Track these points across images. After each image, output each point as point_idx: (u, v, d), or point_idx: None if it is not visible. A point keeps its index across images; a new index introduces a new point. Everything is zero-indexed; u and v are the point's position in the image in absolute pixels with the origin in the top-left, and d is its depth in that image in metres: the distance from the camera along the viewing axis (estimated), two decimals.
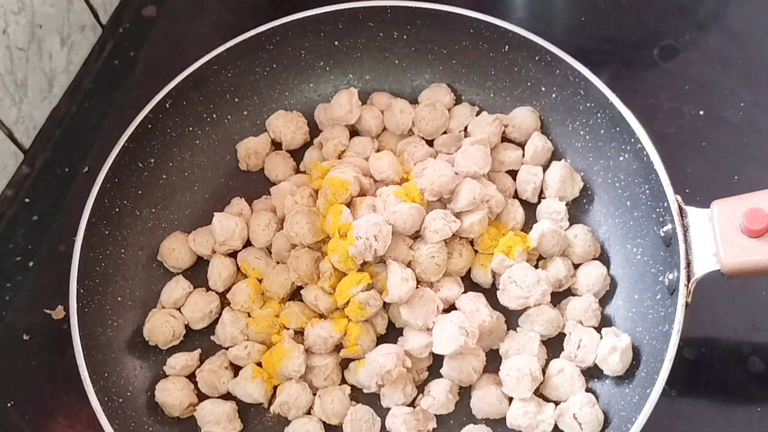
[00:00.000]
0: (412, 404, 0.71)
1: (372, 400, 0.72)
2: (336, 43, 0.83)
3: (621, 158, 0.74)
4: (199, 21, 0.94)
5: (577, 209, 0.78)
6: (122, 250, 0.76)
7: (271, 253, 0.77)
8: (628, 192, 0.74)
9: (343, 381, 0.73)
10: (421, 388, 0.72)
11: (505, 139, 0.80)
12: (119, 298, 0.75)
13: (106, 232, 0.75)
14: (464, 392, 0.72)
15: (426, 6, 0.78)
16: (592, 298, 0.72)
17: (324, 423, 0.71)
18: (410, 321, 0.71)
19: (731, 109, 0.83)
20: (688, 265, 0.65)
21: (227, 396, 0.72)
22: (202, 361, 0.74)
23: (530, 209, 0.78)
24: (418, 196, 0.73)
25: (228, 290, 0.76)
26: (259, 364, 0.73)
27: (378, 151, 0.80)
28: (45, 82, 0.85)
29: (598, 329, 0.71)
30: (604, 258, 0.75)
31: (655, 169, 0.68)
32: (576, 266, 0.75)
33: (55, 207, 0.84)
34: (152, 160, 0.79)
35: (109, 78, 0.91)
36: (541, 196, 0.78)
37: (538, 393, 0.70)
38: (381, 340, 0.73)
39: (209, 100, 0.81)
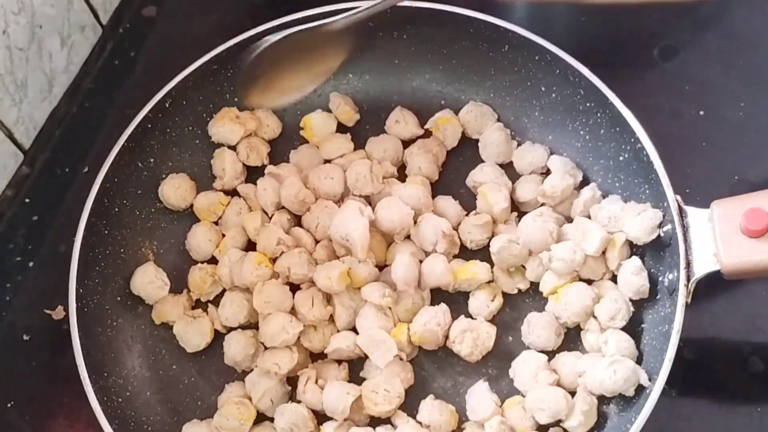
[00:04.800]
0: None
1: None
2: None
3: (621, 158, 0.74)
4: (199, 21, 0.94)
5: None
6: (122, 250, 0.76)
7: None
8: (628, 192, 0.74)
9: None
10: None
11: None
12: (119, 298, 0.75)
13: (106, 232, 0.75)
14: None
15: (426, 6, 0.78)
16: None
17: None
18: None
19: (731, 109, 0.83)
20: (688, 265, 0.65)
21: None
22: None
23: None
24: None
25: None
26: None
27: None
28: (45, 82, 0.85)
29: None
30: None
31: (655, 169, 0.68)
32: None
33: (55, 207, 0.84)
34: (152, 160, 0.79)
35: (109, 78, 0.91)
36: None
37: None
38: None
39: (209, 99, 0.81)
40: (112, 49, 0.93)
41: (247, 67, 0.73)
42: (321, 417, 0.71)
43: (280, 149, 0.83)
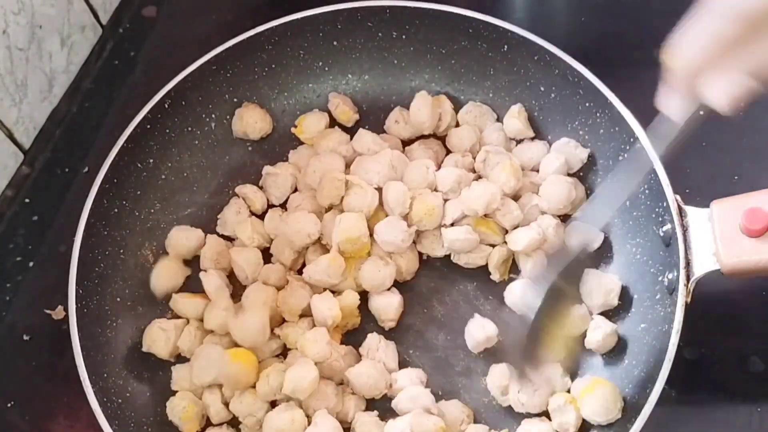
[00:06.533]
0: None
1: None
2: (335, 43, 0.82)
3: (620, 158, 0.74)
4: (199, 21, 0.94)
5: None
6: (121, 251, 0.76)
7: None
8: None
9: None
10: None
11: None
12: (118, 299, 0.75)
13: (105, 233, 0.75)
14: None
15: (425, 6, 0.78)
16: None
17: None
18: None
19: None
20: (688, 264, 0.65)
21: None
22: None
23: None
24: None
25: None
26: None
27: None
28: (45, 82, 0.85)
29: None
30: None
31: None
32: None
33: (55, 207, 0.84)
34: (151, 161, 0.79)
35: (109, 78, 0.91)
36: None
37: None
38: None
39: (208, 100, 0.81)
40: (112, 49, 0.93)
41: None
42: None
43: (280, 150, 0.83)
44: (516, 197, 0.76)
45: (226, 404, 0.71)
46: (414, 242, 0.76)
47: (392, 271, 0.74)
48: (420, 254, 0.77)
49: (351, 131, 0.82)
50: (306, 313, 0.74)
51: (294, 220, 0.75)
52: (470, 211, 0.74)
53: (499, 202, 0.74)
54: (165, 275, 0.76)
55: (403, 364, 0.73)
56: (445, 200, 0.76)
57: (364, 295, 0.75)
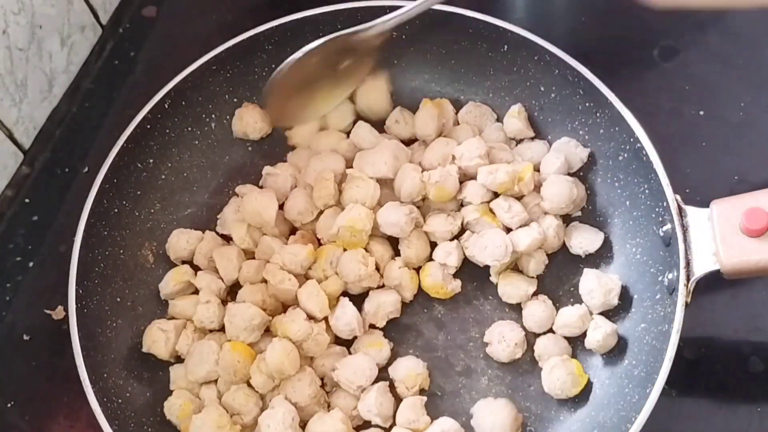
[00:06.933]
0: None
1: None
2: None
3: (620, 158, 0.74)
4: (199, 21, 0.94)
5: None
6: (121, 251, 0.76)
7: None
8: (628, 192, 0.74)
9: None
10: None
11: None
12: (118, 299, 0.75)
13: (105, 233, 0.75)
14: None
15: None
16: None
17: None
18: None
19: (731, 109, 0.83)
20: (688, 264, 0.65)
21: None
22: None
23: None
24: None
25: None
26: None
27: None
28: (45, 82, 0.85)
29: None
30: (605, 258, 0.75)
31: (655, 168, 0.68)
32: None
33: (55, 207, 0.84)
34: (151, 161, 0.79)
35: (109, 78, 0.91)
36: None
37: None
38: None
39: (208, 100, 0.81)
40: (112, 49, 0.93)
41: (276, 84, 0.71)
42: None
43: (280, 150, 0.83)
44: (519, 197, 0.76)
45: None
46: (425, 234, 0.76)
47: (371, 270, 0.74)
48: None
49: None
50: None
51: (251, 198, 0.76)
52: (493, 185, 0.74)
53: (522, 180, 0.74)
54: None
55: None
56: (462, 182, 0.76)
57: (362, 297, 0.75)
